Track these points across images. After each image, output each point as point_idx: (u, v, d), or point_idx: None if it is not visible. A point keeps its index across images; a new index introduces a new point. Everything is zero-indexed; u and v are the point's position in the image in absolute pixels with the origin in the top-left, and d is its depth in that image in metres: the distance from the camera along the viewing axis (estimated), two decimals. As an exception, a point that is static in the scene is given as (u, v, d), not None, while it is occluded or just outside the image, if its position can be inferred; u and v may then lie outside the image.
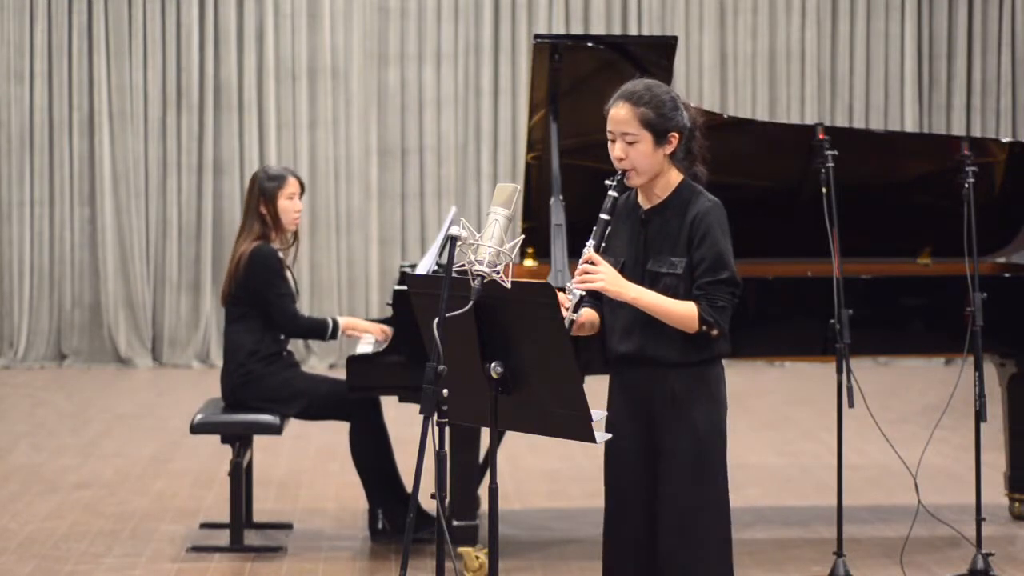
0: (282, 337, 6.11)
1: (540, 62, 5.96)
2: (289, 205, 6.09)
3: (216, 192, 11.67)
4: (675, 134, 3.83)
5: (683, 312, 3.76)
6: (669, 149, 3.84)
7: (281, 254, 6.10)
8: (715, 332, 3.79)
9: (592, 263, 3.79)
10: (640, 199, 3.92)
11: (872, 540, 6.10)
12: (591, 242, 3.85)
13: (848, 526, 5.82)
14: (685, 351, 3.80)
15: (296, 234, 6.21)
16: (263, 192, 6.08)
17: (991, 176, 6.36)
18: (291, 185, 6.10)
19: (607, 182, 3.88)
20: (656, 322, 3.78)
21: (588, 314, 3.90)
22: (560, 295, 3.78)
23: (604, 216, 3.87)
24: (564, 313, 3.74)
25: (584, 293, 3.80)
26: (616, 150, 3.84)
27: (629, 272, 3.84)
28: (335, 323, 6.11)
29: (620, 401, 3.92)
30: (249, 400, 5.97)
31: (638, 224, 3.89)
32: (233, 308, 6.08)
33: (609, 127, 3.86)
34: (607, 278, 3.78)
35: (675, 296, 3.78)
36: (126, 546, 6.02)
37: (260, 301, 6.01)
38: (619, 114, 3.83)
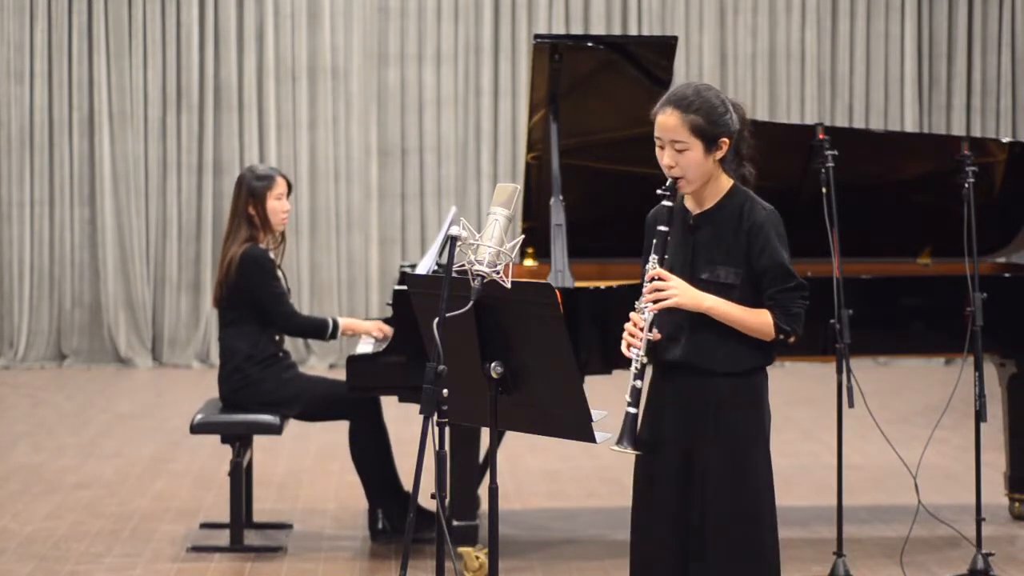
0: (278, 338, 6.11)
1: (540, 62, 5.96)
2: (278, 205, 6.07)
3: (216, 192, 11.67)
4: (725, 139, 3.73)
5: (760, 321, 3.70)
6: (719, 155, 3.73)
7: (271, 254, 6.09)
8: (792, 339, 3.74)
9: (661, 279, 3.69)
10: (687, 203, 3.81)
11: (872, 540, 6.10)
12: (654, 256, 3.72)
13: (848, 526, 5.82)
14: (732, 360, 3.73)
15: (283, 234, 6.19)
16: (252, 193, 6.05)
17: (991, 176, 6.36)
18: (279, 185, 6.08)
19: (659, 191, 3.74)
20: (702, 330, 3.71)
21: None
22: (633, 315, 3.72)
23: (663, 228, 3.73)
24: (641, 335, 3.67)
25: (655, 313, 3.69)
26: (665, 158, 3.73)
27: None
28: (335, 323, 6.10)
29: (659, 406, 3.80)
30: (247, 404, 5.97)
31: (686, 229, 3.79)
32: (227, 312, 6.06)
33: (657, 133, 3.74)
34: (680, 292, 3.68)
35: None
36: (126, 546, 6.02)
37: (255, 303, 6.00)
38: (668, 121, 3.71)
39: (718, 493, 3.74)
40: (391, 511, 6.04)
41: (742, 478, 3.76)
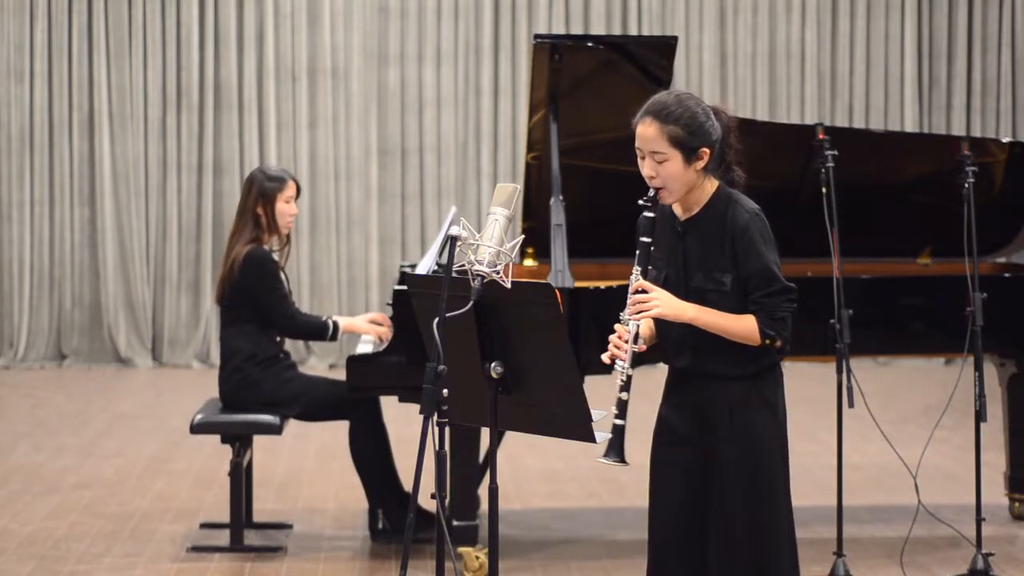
0: (279, 339, 6.11)
1: (540, 62, 5.96)
2: (286, 208, 6.08)
3: (216, 192, 11.67)
4: (706, 149, 3.69)
5: (744, 327, 3.67)
6: (700, 165, 3.69)
7: (275, 255, 6.09)
8: (779, 343, 3.71)
9: (643, 291, 3.67)
10: (676, 209, 3.79)
11: (872, 540, 6.10)
12: (637, 268, 3.69)
13: (848, 526, 5.82)
14: (740, 363, 3.72)
15: (289, 237, 6.20)
16: (262, 193, 6.06)
17: (991, 176, 6.37)
18: (290, 188, 6.10)
19: (640, 202, 3.71)
20: (708, 337, 3.68)
21: (646, 325, 3.75)
22: (618, 327, 3.70)
23: (645, 239, 3.69)
24: (625, 347, 3.65)
25: (640, 324, 3.67)
26: (646, 168, 3.69)
27: (672, 286, 3.72)
28: (335, 325, 6.10)
29: (674, 411, 3.80)
30: (247, 404, 5.97)
31: (675, 237, 3.77)
32: (229, 312, 6.07)
33: (637, 144, 3.70)
34: (662, 303, 3.65)
35: (724, 311, 3.68)
36: (126, 546, 6.02)
37: (257, 304, 6.00)
38: (647, 132, 3.67)
39: (733, 494, 3.74)
40: (391, 511, 6.04)
41: (756, 479, 3.77)
